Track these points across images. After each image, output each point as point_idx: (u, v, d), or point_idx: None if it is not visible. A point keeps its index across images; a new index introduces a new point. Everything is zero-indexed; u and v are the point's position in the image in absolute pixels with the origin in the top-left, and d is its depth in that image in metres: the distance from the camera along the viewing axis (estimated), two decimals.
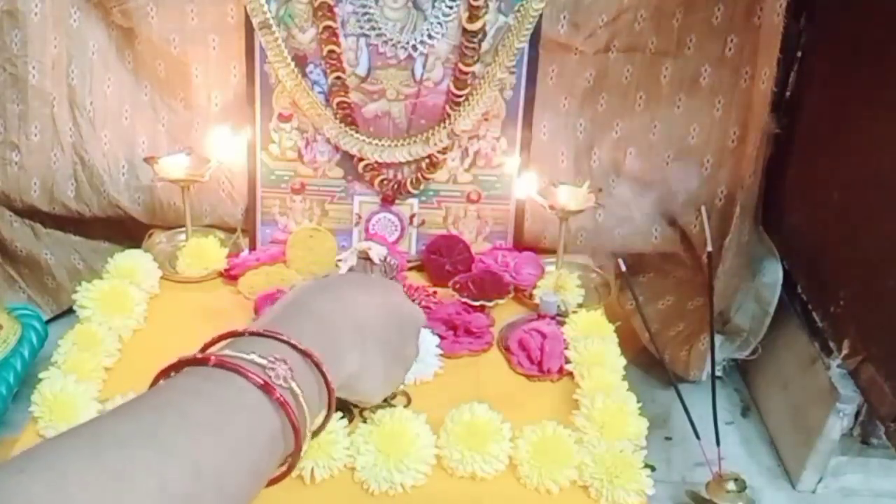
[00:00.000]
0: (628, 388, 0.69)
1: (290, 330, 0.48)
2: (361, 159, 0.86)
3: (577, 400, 0.69)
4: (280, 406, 0.44)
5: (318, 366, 0.48)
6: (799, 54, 0.84)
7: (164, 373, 0.45)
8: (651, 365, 0.88)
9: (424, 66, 0.83)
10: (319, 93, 0.84)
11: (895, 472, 0.76)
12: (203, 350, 0.48)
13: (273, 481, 0.46)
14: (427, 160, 0.86)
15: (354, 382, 0.54)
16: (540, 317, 0.79)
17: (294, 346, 0.47)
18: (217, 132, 0.86)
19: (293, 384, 0.45)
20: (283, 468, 0.47)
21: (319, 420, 0.53)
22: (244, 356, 0.44)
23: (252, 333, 0.48)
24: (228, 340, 0.48)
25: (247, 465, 0.41)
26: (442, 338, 0.76)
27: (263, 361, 0.44)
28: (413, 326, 0.61)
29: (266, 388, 0.43)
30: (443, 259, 0.86)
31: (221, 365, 0.43)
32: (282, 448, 0.45)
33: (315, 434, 0.52)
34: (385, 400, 0.68)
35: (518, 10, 0.80)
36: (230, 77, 0.87)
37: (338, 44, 0.82)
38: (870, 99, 0.74)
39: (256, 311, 0.79)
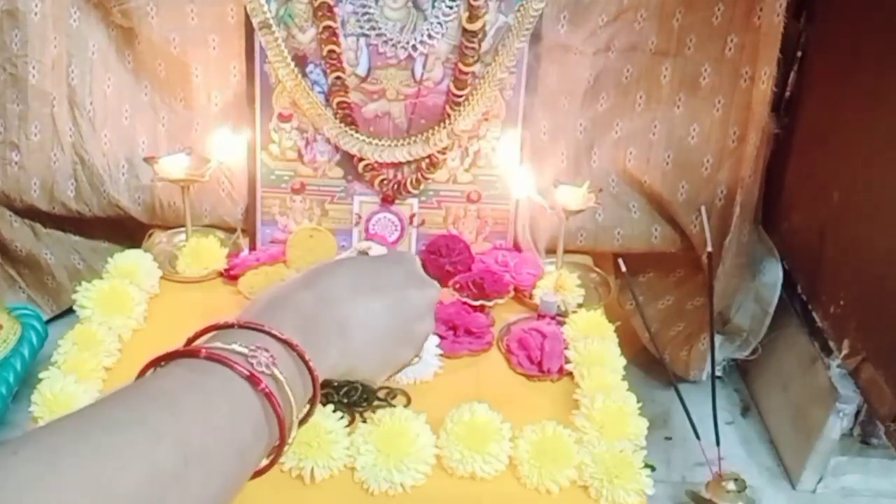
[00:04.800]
0: (628, 388, 0.69)
1: (270, 322, 0.49)
2: (361, 159, 0.86)
3: (577, 400, 0.69)
4: (265, 397, 0.44)
5: (300, 355, 0.49)
6: (799, 54, 0.84)
7: (151, 364, 0.46)
8: (651, 365, 0.88)
9: (424, 66, 0.83)
10: (319, 93, 0.84)
11: (895, 472, 0.76)
12: (188, 343, 0.49)
13: (258, 473, 0.47)
14: (427, 160, 0.86)
15: (348, 372, 0.55)
16: (540, 317, 0.79)
17: (275, 336, 0.48)
18: (217, 132, 0.86)
19: (275, 370, 0.45)
20: (270, 458, 0.47)
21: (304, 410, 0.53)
22: (226, 346, 0.45)
23: (234, 325, 0.49)
24: (213, 333, 0.49)
25: (233, 450, 0.42)
26: (442, 338, 0.76)
27: (245, 350, 0.45)
28: (420, 305, 0.60)
29: (251, 379, 0.44)
30: (443, 259, 0.86)
31: (207, 357, 0.44)
32: (267, 434, 0.45)
33: (301, 423, 0.52)
34: (385, 400, 0.69)
35: (518, 10, 0.80)
36: (230, 77, 0.87)
37: (338, 44, 0.82)
38: (870, 99, 0.74)
39: None
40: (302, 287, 0.55)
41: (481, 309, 0.80)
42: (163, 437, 0.38)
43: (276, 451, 0.47)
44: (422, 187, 0.87)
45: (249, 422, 0.44)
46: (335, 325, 0.54)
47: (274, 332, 0.48)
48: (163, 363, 0.46)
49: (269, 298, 0.54)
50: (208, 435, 0.41)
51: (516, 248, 0.89)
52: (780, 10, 0.78)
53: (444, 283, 0.84)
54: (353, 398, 0.67)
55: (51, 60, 0.86)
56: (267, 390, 0.44)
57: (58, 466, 0.34)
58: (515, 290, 0.84)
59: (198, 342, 0.48)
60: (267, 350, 0.46)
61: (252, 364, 0.45)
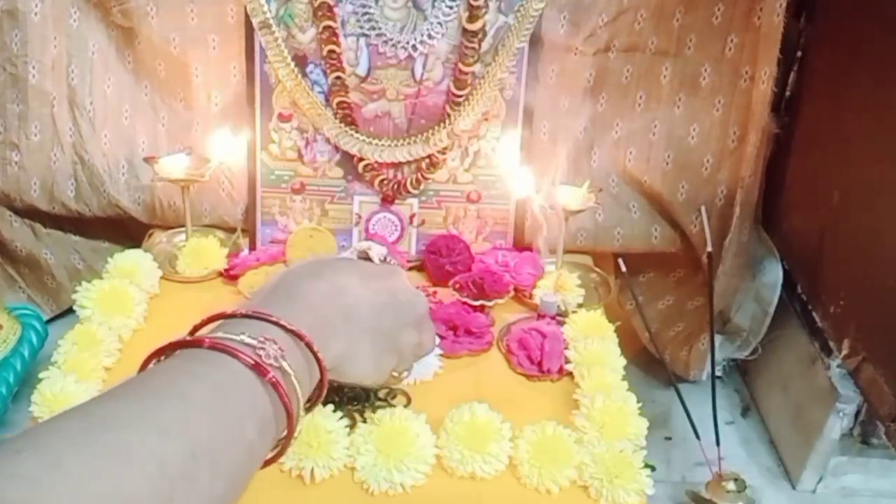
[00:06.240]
0: (628, 388, 0.69)
1: (279, 311, 0.48)
2: (361, 159, 0.86)
3: (577, 400, 0.69)
4: (272, 386, 0.44)
5: (308, 346, 0.48)
6: (799, 54, 0.84)
7: (155, 355, 0.46)
8: (651, 365, 0.89)
9: (424, 66, 0.83)
10: (319, 93, 0.84)
11: (895, 472, 0.76)
12: (193, 332, 0.48)
13: (267, 462, 0.47)
14: (427, 160, 0.86)
15: (342, 366, 0.54)
16: (540, 317, 0.79)
17: (283, 327, 0.48)
18: (217, 132, 0.86)
19: (284, 363, 0.45)
20: (277, 450, 0.47)
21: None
22: (234, 337, 0.45)
23: (241, 315, 0.48)
24: (218, 323, 0.48)
25: (241, 444, 0.42)
26: (442, 338, 0.76)
27: (253, 342, 0.45)
28: (409, 314, 0.59)
29: (257, 369, 0.44)
30: (443, 259, 0.86)
31: (213, 347, 0.44)
32: (275, 428, 0.45)
33: (308, 410, 0.51)
34: (385, 400, 0.69)
35: (518, 10, 0.80)
36: (230, 77, 0.87)
37: (338, 44, 0.82)
38: (870, 99, 0.74)
39: None
40: (310, 276, 0.54)
41: (481, 309, 0.80)
42: (170, 433, 0.37)
43: (284, 443, 0.47)
44: (422, 187, 0.87)
45: (257, 415, 0.43)
46: (342, 313, 0.53)
47: (282, 322, 0.48)
48: (166, 354, 0.45)
49: (274, 287, 0.53)
50: (216, 429, 0.40)
51: (516, 248, 0.89)
52: (780, 10, 0.78)
53: (443, 283, 0.85)
54: (352, 398, 0.67)
55: (51, 60, 0.86)
56: (274, 380, 0.44)
57: (61, 467, 0.33)
58: (515, 290, 0.83)
59: (203, 331, 0.47)
60: (275, 342, 0.45)
61: (260, 356, 0.44)
